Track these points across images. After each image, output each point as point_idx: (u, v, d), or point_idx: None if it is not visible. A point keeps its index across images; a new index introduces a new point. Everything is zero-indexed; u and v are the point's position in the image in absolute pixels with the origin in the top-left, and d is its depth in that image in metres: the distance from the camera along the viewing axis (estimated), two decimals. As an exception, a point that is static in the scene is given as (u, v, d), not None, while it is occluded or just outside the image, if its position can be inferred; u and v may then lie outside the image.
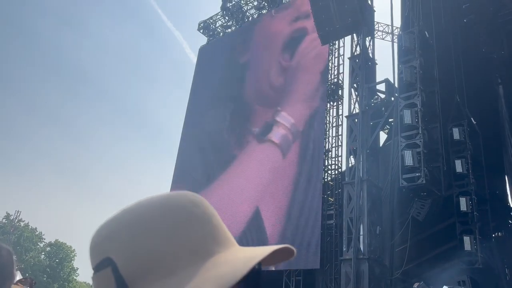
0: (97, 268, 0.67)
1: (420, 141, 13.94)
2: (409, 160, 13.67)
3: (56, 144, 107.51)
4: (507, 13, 17.78)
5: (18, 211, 48.56)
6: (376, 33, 22.85)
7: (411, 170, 13.82)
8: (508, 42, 18.52)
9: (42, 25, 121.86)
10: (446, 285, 13.06)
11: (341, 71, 20.93)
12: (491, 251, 15.94)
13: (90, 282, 0.71)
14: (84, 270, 64.79)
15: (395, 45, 17.38)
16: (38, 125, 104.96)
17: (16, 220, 48.43)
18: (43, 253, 51.92)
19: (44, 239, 52.65)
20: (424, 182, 13.56)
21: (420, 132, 14.04)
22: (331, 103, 20.63)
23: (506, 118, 18.73)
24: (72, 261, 53.25)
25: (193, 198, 0.71)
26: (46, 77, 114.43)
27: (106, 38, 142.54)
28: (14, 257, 1.54)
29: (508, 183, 19.20)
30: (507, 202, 18.78)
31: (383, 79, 17.80)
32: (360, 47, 17.83)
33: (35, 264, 48.83)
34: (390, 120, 16.94)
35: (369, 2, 18.73)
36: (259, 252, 0.66)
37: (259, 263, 0.66)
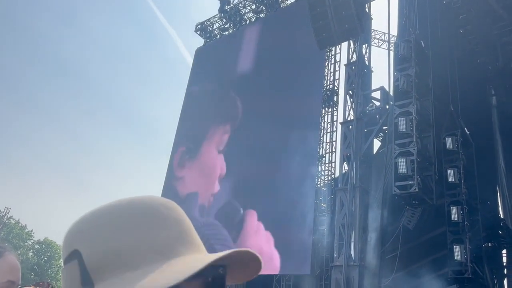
0: (66, 260, 0.70)
1: (414, 149, 13.95)
2: (402, 168, 13.67)
3: (50, 142, 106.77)
4: (503, 25, 17.93)
5: (7, 208, 48.11)
6: (373, 40, 22.98)
7: (404, 178, 13.83)
8: (503, 53, 18.67)
9: (34, 19, 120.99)
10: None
11: (337, 77, 20.99)
12: (480, 261, 16.00)
13: None
14: (72, 269, 64.39)
15: (391, 53, 17.48)
16: (32, 122, 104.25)
17: (5, 217, 47.98)
18: (31, 251, 51.45)
19: (34, 237, 52.24)
20: (416, 190, 13.57)
21: (414, 140, 14.06)
22: (326, 109, 20.65)
23: (498, 129, 18.87)
24: (61, 260, 52.81)
25: (165, 202, 0.74)
26: (34, 71, 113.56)
27: (97, 31, 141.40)
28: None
29: (500, 194, 19.30)
30: (498, 213, 18.85)
31: (379, 86, 17.91)
32: (356, 54, 17.92)
33: (23, 262, 48.12)
34: (384, 127, 16.99)
35: (367, 9, 18.82)
36: (219, 253, 0.68)
37: (224, 268, 0.70)
